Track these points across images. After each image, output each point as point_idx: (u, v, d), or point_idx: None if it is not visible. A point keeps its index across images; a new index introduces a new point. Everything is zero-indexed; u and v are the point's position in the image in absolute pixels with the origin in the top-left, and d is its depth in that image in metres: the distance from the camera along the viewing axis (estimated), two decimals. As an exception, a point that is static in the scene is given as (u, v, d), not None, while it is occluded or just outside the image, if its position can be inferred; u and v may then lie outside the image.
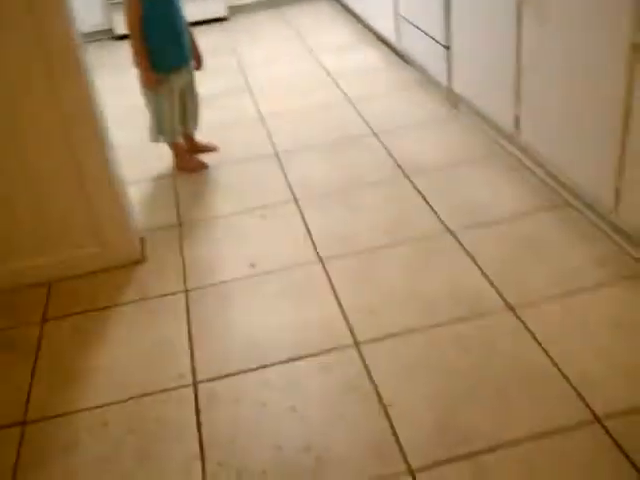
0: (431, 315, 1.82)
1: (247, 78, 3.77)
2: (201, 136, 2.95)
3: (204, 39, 4.49)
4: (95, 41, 4.72)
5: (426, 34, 3.09)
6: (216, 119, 3.22)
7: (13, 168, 2.05)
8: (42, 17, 1.86)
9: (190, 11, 4.67)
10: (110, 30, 4.70)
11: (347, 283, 2.00)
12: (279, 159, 2.81)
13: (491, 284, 1.91)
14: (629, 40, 1.69)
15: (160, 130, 2.73)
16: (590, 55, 1.88)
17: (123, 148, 2.96)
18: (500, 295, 1.86)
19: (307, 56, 3.97)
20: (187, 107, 2.79)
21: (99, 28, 4.74)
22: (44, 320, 2.06)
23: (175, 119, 2.72)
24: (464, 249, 2.08)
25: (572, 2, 1.92)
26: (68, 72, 1.94)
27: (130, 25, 2.55)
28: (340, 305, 1.90)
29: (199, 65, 2.80)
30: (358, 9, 4.26)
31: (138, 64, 2.60)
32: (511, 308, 1.80)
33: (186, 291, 2.08)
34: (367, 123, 3.00)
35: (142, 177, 2.81)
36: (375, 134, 2.90)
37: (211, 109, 3.27)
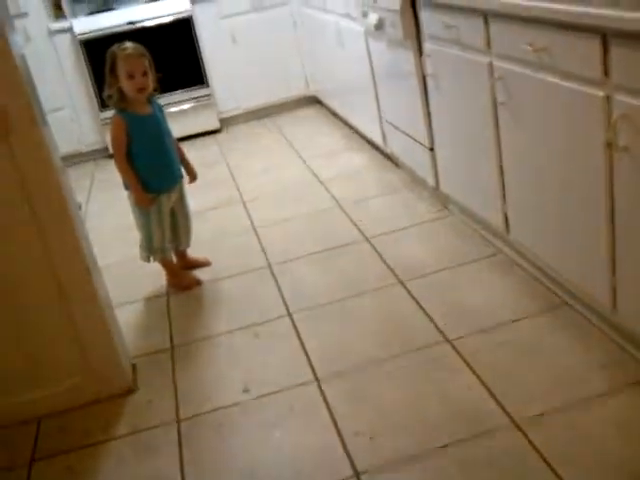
0: (433, 438, 1.73)
1: (239, 189, 3.81)
2: (194, 250, 2.95)
3: (197, 152, 4.63)
4: (91, 160, 4.84)
5: (410, 137, 3.14)
6: (208, 232, 3.24)
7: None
8: (18, 145, 1.87)
9: (183, 125, 4.86)
10: (106, 149, 4.82)
11: (344, 404, 1.92)
12: (272, 270, 2.79)
13: (492, 396, 1.83)
14: (602, 138, 1.70)
15: (150, 249, 2.73)
16: (569, 154, 1.89)
17: (114, 267, 2.99)
18: (503, 409, 1.78)
19: (298, 163, 4.04)
20: (178, 224, 2.80)
21: (95, 147, 4.86)
22: (32, 460, 1.98)
23: (165, 237, 2.73)
24: (462, 358, 2.01)
25: (545, 104, 1.94)
26: (48, 196, 1.94)
27: (115, 146, 2.59)
28: (338, 430, 1.83)
29: (193, 179, 2.84)
30: (345, 115, 4.37)
31: (127, 186, 2.64)
32: (515, 424, 1.72)
33: (178, 421, 2.00)
34: (359, 228, 3.00)
35: (134, 297, 2.78)
36: (367, 239, 2.89)
37: (203, 222, 3.29)
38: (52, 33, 4.61)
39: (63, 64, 4.67)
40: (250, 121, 5.11)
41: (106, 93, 2.54)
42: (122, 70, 2.48)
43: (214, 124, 5.00)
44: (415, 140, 3.09)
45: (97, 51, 4.55)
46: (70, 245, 2.02)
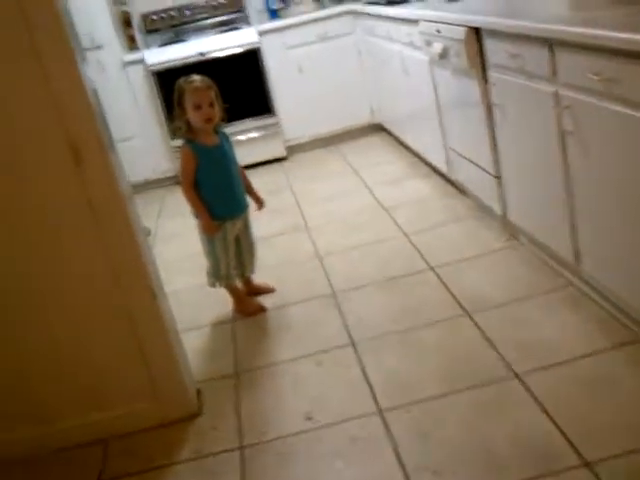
0: (499, 476, 1.68)
1: (304, 215, 3.84)
2: (259, 276, 2.98)
3: (263, 179, 4.70)
4: (162, 187, 4.97)
5: (476, 165, 3.11)
6: (273, 258, 3.27)
7: (60, 318, 2.09)
8: (87, 173, 1.95)
9: (250, 153, 4.95)
10: (176, 176, 4.95)
11: (408, 437, 1.89)
12: (336, 298, 2.79)
13: (562, 434, 1.77)
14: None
15: (217, 275, 2.77)
16: (644, 187, 1.83)
17: (181, 293, 3.06)
18: (573, 448, 1.71)
19: (362, 190, 4.05)
20: (243, 251, 2.84)
21: (166, 174, 5.00)
22: (100, 482, 2.02)
23: (231, 264, 2.77)
24: (530, 394, 1.95)
25: (614, 134, 1.89)
26: (115, 221, 2.00)
27: (184, 176, 2.66)
28: (401, 464, 1.79)
29: (260, 206, 2.88)
30: (410, 142, 4.36)
31: (196, 215, 2.70)
32: (586, 464, 1.65)
33: (241, 448, 2.01)
34: (424, 257, 2.97)
35: (200, 323, 2.83)
36: (432, 268, 2.86)
37: (268, 248, 3.33)
38: (125, 64, 4.80)
39: (136, 94, 4.85)
40: (316, 149, 5.16)
41: (174, 125, 2.62)
42: (189, 102, 2.55)
43: (280, 152, 5.07)
44: (481, 168, 3.05)
45: (168, 81, 4.68)
46: (136, 270, 2.08)
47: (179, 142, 2.76)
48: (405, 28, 3.65)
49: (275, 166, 5.01)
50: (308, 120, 5.05)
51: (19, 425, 2.16)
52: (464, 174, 3.38)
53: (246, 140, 4.92)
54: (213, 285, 2.80)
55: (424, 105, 3.70)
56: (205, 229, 2.69)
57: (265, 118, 4.97)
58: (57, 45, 1.86)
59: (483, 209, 3.26)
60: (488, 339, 2.27)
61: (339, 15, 4.91)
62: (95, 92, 2.03)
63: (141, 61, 4.78)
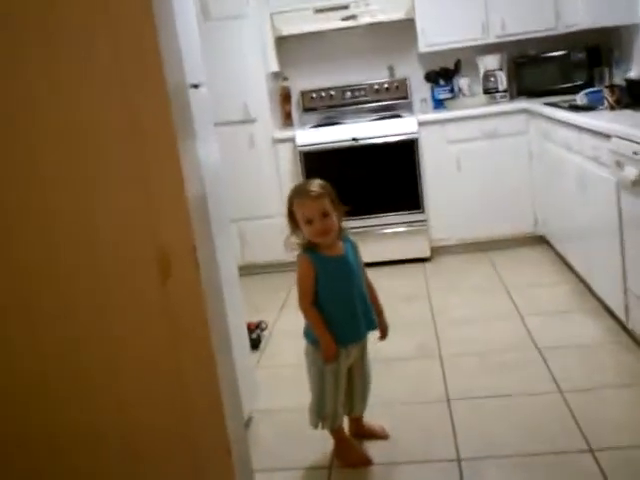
0: None
1: (438, 337, 3.30)
2: (371, 410, 2.45)
3: (400, 281, 4.23)
4: (294, 271, 4.63)
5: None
6: (394, 391, 2.75)
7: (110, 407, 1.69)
8: (173, 290, 1.58)
9: (391, 249, 4.51)
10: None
11: None
12: (460, 468, 2.20)
13: None
14: None
15: (320, 414, 2.30)
16: None
17: (283, 414, 2.63)
18: None
19: (512, 316, 3.44)
20: (354, 385, 2.35)
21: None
22: None
23: (339, 402, 2.29)
24: None
25: None
26: (197, 353, 1.60)
27: (302, 290, 2.26)
28: None
29: (383, 336, 2.39)
30: (578, 266, 3.69)
31: (310, 335, 2.27)
32: None
33: None
34: (582, 430, 2.31)
35: (292, 462, 2.36)
36: (591, 451, 2.19)
37: (389, 376, 2.83)
38: (276, 141, 4.59)
39: (281, 173, 4.61)
40: (463, 254, 4.62)
41: (288, 241, 2.24)
42: (299, 215, 2.19)
43: (424, 252, 4.58)
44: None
45: (316, 163, 4.45)
46: (210, 408, 1.65)
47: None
48: (590, 140, 3.08)
49: (416, 267, 4.51)
50: (459, 221, 4.54)
51: None
52: (647, 327, 2.70)
53: (390, 234, 4.50)
54: (316, 426, 2.32)
55: (602, 230, 3.07)
56: (326, 355, 2.23)
57: (413, 214, 4.52)
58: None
59: (669, 377, 2.56)
60: None
61: (512, 113, 4.41)
62: (202, 197, 1.67)
63: (292, 139, 4.55)
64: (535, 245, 4.56)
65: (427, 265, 4.53)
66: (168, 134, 1.58)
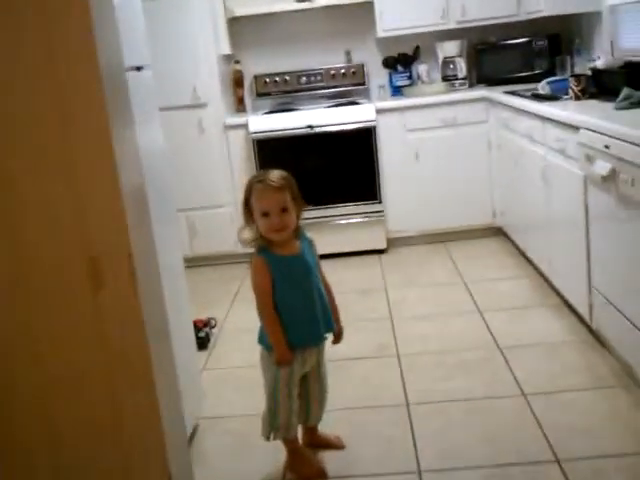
0: None
1: (395, 334, 3.16)
2: (326, 420, 2.29)
3: (356, 273, 4.09)
4: (245, 262, 4.43)
5: (633, 324, 2.34)
6: (349, 395, 2.60)
7: None
8: (106, 303, 1.39)
9: (347, 240, 4.35)
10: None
11: None
12: (422, 481, 2.07)
13: None
14: None
15: (273, 424, 2.12)
16: None
17: (228, 423, 2.45)
18: None
19: (472, 313, 3.32)
20: (311, 392, 2.19)
21: (251, 250, 4.47)
22: None
23: (293, 411, 2.12)
24: None
25: None
26: (134, 371, 1.42)
27: (260, 294, 2.08)
28: None
29: (337, 340, 2.23)
30: (538, 261, 3.60)
31: (264, 340, 2.10)
32: None
33: None
34: (549, 440, 2.20)
35: (242, 477, 2.18)
36: (558, 461, 2.08)
37: (345, 378, 2.69)
38: (227, 128, 4.36)
39: (232, 160, 4.39)
40: (420, 245, 4.50)
41: (241, 235, 2.06)
42: (256, 206, 2.00)
43: (380, 244, 4.44)
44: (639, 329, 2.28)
45: (269, 150, 4.25)
46: (150, 439, 1.47)
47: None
48: (556, 131, 2.96)
49: (372, 258, 4.37)
50: (417, 212, 4.41)
51: None
52: (612, 328, 2.59)
53: (345, 225, 4.35)
54: (267, 437, 2.14)
55: (566, 225, 2.97)
56: (280, 359, 2.06)
57: (370, 204, 4.37)
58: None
59: (636, 380, 2.47)
60: None
61: (473, 101, 4.29)
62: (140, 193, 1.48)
63: (244, 126, 4.33)
64: (493, 237, 4.47)
65: (383, 257, 4.40)
66: (99, 120, 1.39)
